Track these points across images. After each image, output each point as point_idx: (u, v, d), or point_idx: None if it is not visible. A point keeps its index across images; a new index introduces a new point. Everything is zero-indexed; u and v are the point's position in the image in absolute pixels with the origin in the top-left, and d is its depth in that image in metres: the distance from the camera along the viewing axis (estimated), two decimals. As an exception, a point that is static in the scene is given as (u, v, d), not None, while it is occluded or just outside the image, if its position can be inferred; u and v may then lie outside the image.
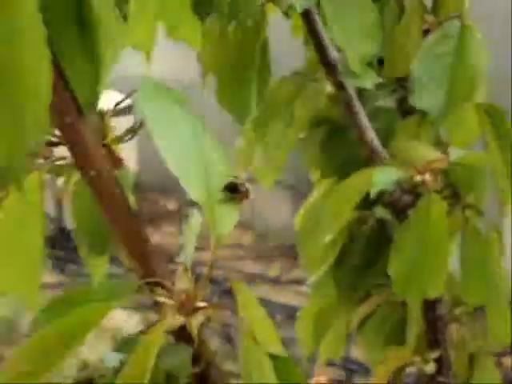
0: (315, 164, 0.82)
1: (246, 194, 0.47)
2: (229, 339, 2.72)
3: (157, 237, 3.31)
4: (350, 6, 0.69)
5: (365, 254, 0.77)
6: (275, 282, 3.25)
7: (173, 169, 0.45)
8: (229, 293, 3.09)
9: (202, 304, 0.49)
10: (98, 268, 0.60)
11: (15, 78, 0.39)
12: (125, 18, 0.45)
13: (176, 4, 0.72)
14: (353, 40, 0.68)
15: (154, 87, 0.48)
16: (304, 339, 0.87)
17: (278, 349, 0.48)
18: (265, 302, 3.11)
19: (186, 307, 0.48)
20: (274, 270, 3.34)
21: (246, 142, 0.78)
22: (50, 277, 3.07)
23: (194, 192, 0.45)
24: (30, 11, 0.38)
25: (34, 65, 0.39)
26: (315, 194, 0.82)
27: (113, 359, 0.51)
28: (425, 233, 0.71)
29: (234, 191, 0.47)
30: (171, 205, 3.52)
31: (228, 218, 0.47)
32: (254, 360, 0.48)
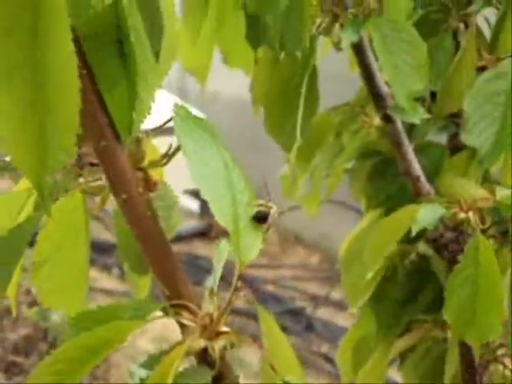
0: (362, 195, 0.82)
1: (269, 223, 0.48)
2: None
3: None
4: (400, 43, 0.69)
5: (406, 289, 0.77)
6: (339, 305, 3.24)
7: (204, 194, 0.46)
8: (294, 313, 3.10)
9: (225, 329, 0.50)
10: (141, 286, 0.62)
11: (47, 105, 0.41)
12: (157, 55, 0.47)
13: (230, 32, 0.74)
14: (401, 76, 0.69)
15: (187, 115, 0.49)
16: (343, 367, 0.87)
17: (295, 378, 0.49)
18: (327, 325, 3.10)
19: (209, 331, 0.50)
20: (338, 293, 3.32)
21: (291, 170, 0.79)
22: (116, 285, 3.13)
23: (221, 218, 0.47)
24: (65, 45, 0.40)
25: (65, 95, 0.41)
26: (361, 225, 0.82)
27: (138, 375, 0.52)
28: (476, 274, 0.70)
29: (262, 220, 0.49)
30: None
31: (253, 245, 0.48)
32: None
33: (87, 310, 0.51)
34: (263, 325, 0.52)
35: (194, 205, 3.73)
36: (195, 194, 3.60)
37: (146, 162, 0.50)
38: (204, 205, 3.75)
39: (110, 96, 0.46)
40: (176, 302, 0.50)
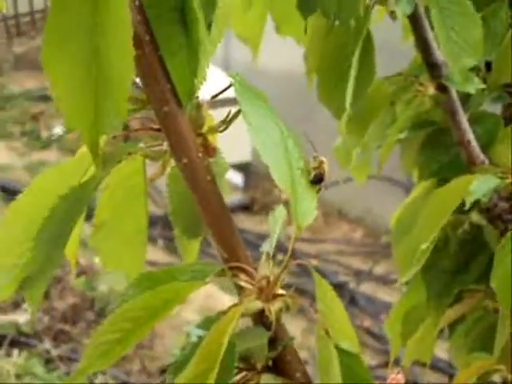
0: (415, 165, 0.82)
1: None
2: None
3: (265, 226, 3.35)
4: (457, 17, 0.69)
5: (457, 259, 0.77)
6: (382, 280, 3.23)
7: (265, 160, 0.47)
8: (337, 287, 3.10)
9: (280, 291, 0.51)
10: (190, 250, 0.63)
11: (101, 69, 0.42)
12: (209, 26, 0.48)
13: (283, 2, 0.74)
14: (456, 51, 0.69)
15: (245, 83, 0.50)
16: (392, 338, 0.87)
17: (348, 344, 0.50)
18: (370, 300, 3.10)
19: (266, 293, 0.51)
20: (382, 268, 3.32)
21: (344, 140, 0.79)
22: (161, 256, 3.16)
23: (281, 182, 0.48)
24: (122, 11, 0.41)
25: (119, 60, 0.42)
26: (413, 196, 0.82)
27: (195, 334, 0.54)
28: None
29: (318, 181, 0.50)
30: (283, 195, 3.56)
31: (309, 209, 0.49)
32: (325, 352, 0.50)
33: (148, 271, 0.52)
34: (318, 290, 0.52)
35: (237, 179, 3.74)
36: (239, 167, 3.61)
37: (205, 129, 0.51)
38: (247, 179, 3.76)
39: (171, 62, 0.47)
40: (233, 265, 0.51)
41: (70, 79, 0.42)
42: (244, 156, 3.56)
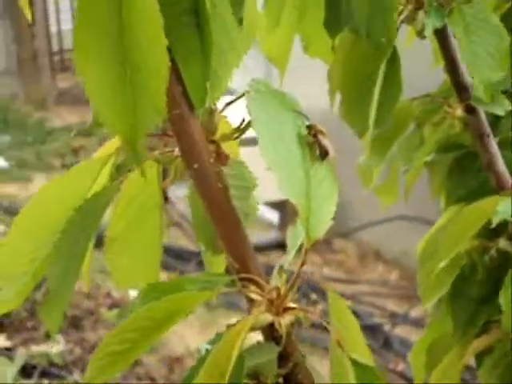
0: (442, 190, 0.80)
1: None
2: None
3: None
4: (482, 32, 0.68)
5: (485, 287, 0.75)
6: (417, 323, 3.17)
7: (275, 173, 0.46)
8: (371, 329, 3.05)
9: (292, 305, 0.49)
10: (216, 266, 0.61)
11: (135, 66, 0.41)
12: (240, 21, 0.46)
13: (311, 21, 0.73)
14: (480, 65, 0.67)
15: (265, 89, 0.49)
16: (415, 370, 0.85)
17: (363, 357, 0.48)
18: (405, 343, 3.04)
19: (276, 306, 0.49)
20: (417, 311, 3.26)
21: (366, 160, 0.78)
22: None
23: (291, 195, 0.47)
24: (149, 3, 0.41)
25: (153, 53, 0.41)
26: (440, 222, 0.80)
27: (204, 349, 0.52)
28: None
29: (324, 156, 0.48)
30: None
31: (323, 221, 0.47)
32: (340, 367, 0.48)
33: (158, 282, 0.51)
34: (332, 305, 0.50)
35: (274, 216, 3.73)
36: (275, 205, 3.60)
37: (218, 135, 0.50)
38: (283, 216, 3.74)
39: (184, 65, 0.47)
40: (244, 276, 0.49)
41: (104, 82, 0.42)
42: (280, 193, 3.55)
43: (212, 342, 0.53)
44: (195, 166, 0.47)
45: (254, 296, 0.49)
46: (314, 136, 0.48)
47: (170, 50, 0.46)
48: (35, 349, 2.71)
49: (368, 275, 3.64)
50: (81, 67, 0.41)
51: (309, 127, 0.48)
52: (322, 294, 3.14)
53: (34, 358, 2.65)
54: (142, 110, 0.42)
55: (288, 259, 0.54)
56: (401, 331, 3.18)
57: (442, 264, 0.65)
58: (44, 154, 4.51)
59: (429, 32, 0.67)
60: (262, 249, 3.43)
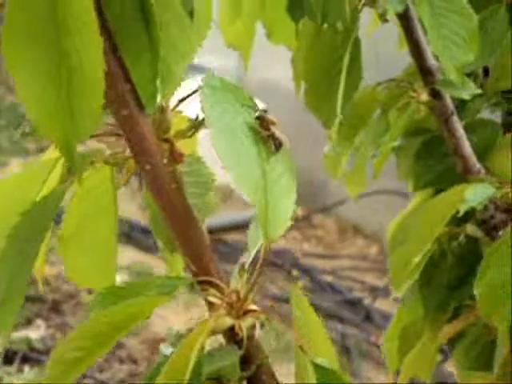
0: (410, 174, 0.79)
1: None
2: (347, 350, 2.70)
3: (281, 241, 3.32)
4: (449, 13, 0.66)
5: (454, 272, 0.74)
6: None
7: (228, 170, 0.44)
8: (352, 303, 3.06)
9: (253, 307, 0.48)
10: (174, 263, 0.61)
11: (71, 70, 0.40)
12: (191, 14, 0.45)
13: (273, 7, 0.72)
14: (450, 48, 0.66)
15: (219, 84, 0.47)
16: (389, 354, 0.84)
17: (324, 360, 0.47)
18: (386, 317, 3.06)
19: (236, 309, 0.48)
20: (397, 284, 3.27)
21: (333, 148, 0.77)
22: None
23: (247, 193, 0.45)
24: (85, 6, 0.39)
25: (89, 58, 0.39)
26: (409, 207, 0.79)
27: (164, 352, 0.51)
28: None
29: (279, 147, 0.47)
30: (299, 211, 3.53)
31: (281, 221, 0.46)
32: (303, 371, 0.47)
33: (113, 285, 0.50)
34: (294, 305, 0.49)
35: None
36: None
37: (171, 133, 0.48)
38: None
39: (132, 63, 0.45)
40: (203, 279, 0.48)
41: (38, 86, 0.40)
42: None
43: (173, 345, 0.52)
44: (147, 167, 0.46)
45: (213, 299, 0.48)
46: (267, 128, 0.46)
47: (117, 47, 0.44)
48: (15, 334, 2.69)
49: (348, 250, 3.65)
50: (12, 69, 0.39)
51: (260, 118, 0.46)
52: (303, 270, 3.15)
53: (14, 343, 2.64)
54: (78, 115, 0.40)
55: (248, 259, 0.52)
56: (381, 304, 3.20)
57: (416, 259, 0.64)
58: (19, 138, 4.46)
59: (391, 15, 0.65)
60: (241, 227, 3.42)
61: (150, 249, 3.02)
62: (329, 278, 3.28)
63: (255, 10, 0.76)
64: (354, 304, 3.14)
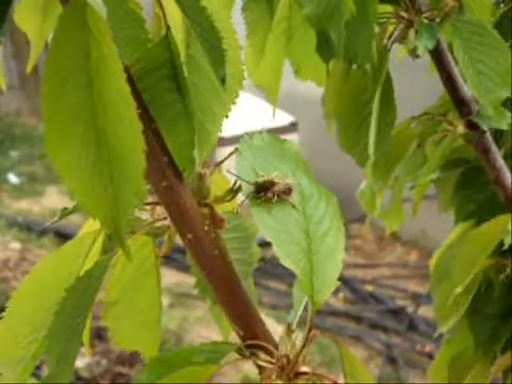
0: (451, 205, 0.78)
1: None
2: (393, 361, 2.67)
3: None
4: (482, 47, 0.65)
5: (503, 303, 0.73)
6: (441, 302, 3.15)
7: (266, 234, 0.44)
8: (395, 313, 3.03)
9: (304, 369, 0.48)
10: (223, 319, 0.60)
11: (111, 150, 0.39)
12: (223, 80, 0.44)
13: (300, 45, 0.71)
14: (485, 83, 0.65)
15: (257, 144, 0.47)
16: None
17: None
18: (430, 324, 3.02)
19: (287, 372, 0.47)
20: (439, 290, 3.24)
21: (369, 185, 0.76)
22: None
23: (287, 261, 0.45)
24: (120, 85, 0.39)
25: (128, 137, 0.39)
26: (451, 238, 0.78)
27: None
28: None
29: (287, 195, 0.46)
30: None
31: (327, 281, 0.46)
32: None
33: (163, 355, 0.50)
34: (345, 359, 0.49)
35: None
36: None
37: (211, 198, 0.48)
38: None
39: (168, 134, 0.45)
40: (251, 343, 0.48)
41: (80, 167, 0.39)
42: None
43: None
44: (189, 236, 0.46)
45: (263, 364, 0.47)
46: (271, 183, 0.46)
47: (153, 118, 0.44)
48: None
49: (387, 258, 3.63)
50: (54, 154, 0.39)
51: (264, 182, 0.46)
52: (344, 281, 3.13)
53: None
54: (121, 194, 0.40)
55: (296, 316, 0.52)
56: (425, 311, 3.17)
57: (458, 290, 0.63)
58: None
59: (421, 52, 0.64)
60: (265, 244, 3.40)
61: (190, 269, 3.03)
62: (370, 288, 3.27)
63: (281, 50, 0.76)
64: (397, 313, 3.12)
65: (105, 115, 0.39)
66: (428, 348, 2.91)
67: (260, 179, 0.46)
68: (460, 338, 0.80)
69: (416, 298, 3.27)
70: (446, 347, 0.82)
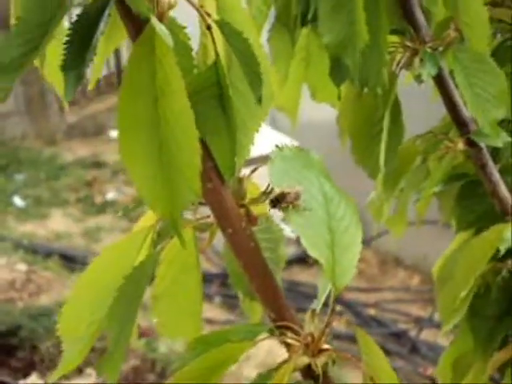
0: (452, 216, 0.86)
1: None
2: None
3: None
4: (480, 74, 0.74)
5: (500, 305, 0.80)
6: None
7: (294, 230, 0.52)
8: (397, 336, 3.07)
9: (326, 346, 0.55)
10: (254, 310, 0.67)
11: (171, 154, 0.48)
12: (259, 100, 0.53)
13: (316, 70, 0.79)
14: (483, 105, 0.73)
15: (288, 154, 0.55)
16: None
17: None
18: (432, 347, 3.06)
19: (311, 348, 0.55)
20: (441, 314, 3.27)
21: (378, 196, 0.84)
22: (218, 314, 3.19)
23: (313, 250, 0.53)
24: (181, 101, 0.47)
25: (188, 142, 0.48)
26: (453, 246, 0.86)
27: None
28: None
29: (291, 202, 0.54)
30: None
31: (347, 270, 0.53)
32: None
33: (203, 334, 0.57)
34: (363, 345, 0.56)
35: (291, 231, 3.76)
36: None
37: (247, 199, 0.56)
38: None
39: (213, 143, 0.53)
40: (280, 324, 0.55)
41: (145, 168, 0.48)
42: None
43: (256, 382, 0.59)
44: (229, 231, 0.53)
45: (291, 341, 0.55)
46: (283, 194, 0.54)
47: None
48: (67, 384, 2.74)
49: (389, 282, 3.65)
50: (125, 156, 0.48)
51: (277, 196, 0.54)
52: (346, 305, 3.17)
53: (67, 394, 2.68)
54: (179, 191, 0.48)
55: (320, 303, 0.59)
56: (427, 335, 3.19)
57: (462, 294, 0.71)
58: (58, 190, 4.59)
59: (425, 78, 0.73)
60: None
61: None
62: (372, 312, 3.29)
63: (300, 75, 0.84)
64: (399, 336, 3.13)
65: (167, 125, 0.47)
66: (430, 371, 2.93)
67: (272, 195, 0.54)
68: (462, 340, 0.87)
69: (418, 322, 3.28)
70: (450, 349, 0.89)
